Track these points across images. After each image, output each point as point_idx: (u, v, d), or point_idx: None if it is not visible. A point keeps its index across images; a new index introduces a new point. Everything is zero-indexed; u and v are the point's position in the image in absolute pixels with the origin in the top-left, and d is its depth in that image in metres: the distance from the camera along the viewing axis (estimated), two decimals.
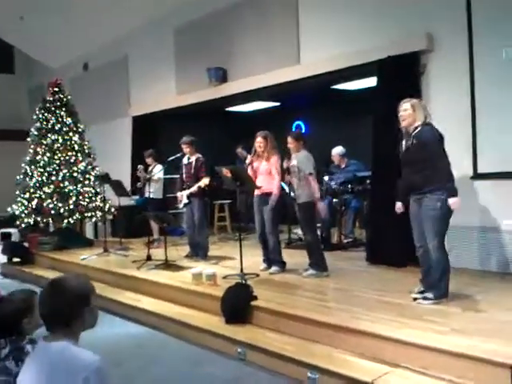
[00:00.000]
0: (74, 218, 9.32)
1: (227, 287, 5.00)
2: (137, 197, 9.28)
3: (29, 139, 9.64)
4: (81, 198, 9.35)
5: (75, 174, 9.38)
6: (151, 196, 8.15)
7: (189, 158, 7.10)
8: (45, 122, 9.51)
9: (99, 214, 9.55)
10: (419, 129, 4.36)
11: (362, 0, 6.67)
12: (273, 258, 6.06)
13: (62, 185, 9.21)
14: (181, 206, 7.15)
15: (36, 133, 9.55)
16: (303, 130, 10.47)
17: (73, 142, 9.54)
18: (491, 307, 4.21)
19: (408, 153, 4.42)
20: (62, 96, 9.71)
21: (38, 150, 9.39)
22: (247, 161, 6.26)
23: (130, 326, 5.51)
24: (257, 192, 6.00)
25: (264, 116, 10.22)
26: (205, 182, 6.84)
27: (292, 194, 6.04)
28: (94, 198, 9.53)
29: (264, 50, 8.07)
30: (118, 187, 8.43)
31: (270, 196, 5.88)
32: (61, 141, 9.42)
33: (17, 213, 9.27)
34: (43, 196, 9.12)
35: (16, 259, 9.34)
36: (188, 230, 7.24)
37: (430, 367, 3.40)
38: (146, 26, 10.23)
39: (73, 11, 10.28)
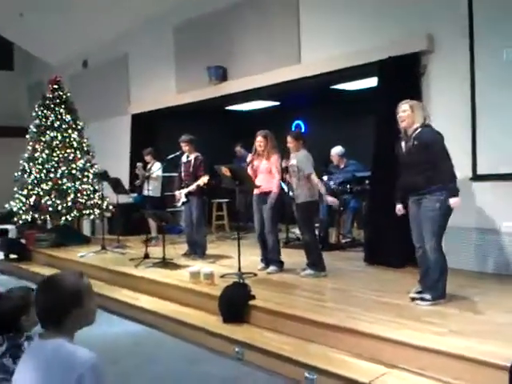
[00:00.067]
0: (72, 215, 9.30)
1: (225, 286, 4.99)
2: (135, 195, 9.28)
3: (28, 136, 9.61)
4: (79, 195, 9.32)
5: (74, 172, 9.36)
6: (150, 194, 8.17)
7: (188, 157, 7.09)
8: (44, 119, 9.50)
9: (97, 211, 9.53)
10: (419, 130, 4.35)
11: (362, 0, 6.66)
12: (271, 258, 6.05)
13: (60, 182, 9.19)
14: (179, 204, 7.14)
15: (35, 130, 9.53)
16: (303, 130, 10.46)
17: (72, 140, 9.52)
18: (489, 309, 4.21)
19: (409, 154, 4.40)
20: (61, 93, 9.70)
21: (37, 146, 9.38)
22: (248, 159, 6.25)
23: (127, 323, 5.49)
24: (256, 191, 5.99)
25: (264, 115, 10.22)
26: (203, 180, 6.82)
27: (290, 193, 6.03)
28: (92, 196, 9.50)
29: (264, 49, 8.06)
30: (116, 185, 8.42)
31: (269, 195, 5.88)
32: (60, 138, 9.40)
33: (14, 209, 9.26)
34: (41, 193, 9.11)
35: (13, 256, 9.33)
36: (186, 228, 7.23)
37: (428, 368, 3.39)
38: (146, 24, 10.20)
39: (73, 9, 10.25)
